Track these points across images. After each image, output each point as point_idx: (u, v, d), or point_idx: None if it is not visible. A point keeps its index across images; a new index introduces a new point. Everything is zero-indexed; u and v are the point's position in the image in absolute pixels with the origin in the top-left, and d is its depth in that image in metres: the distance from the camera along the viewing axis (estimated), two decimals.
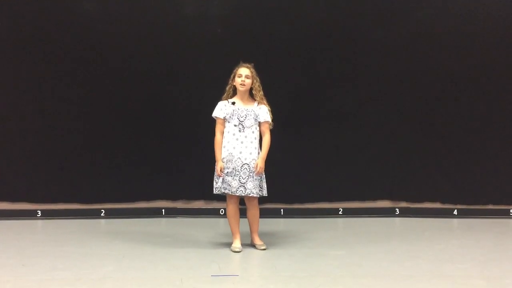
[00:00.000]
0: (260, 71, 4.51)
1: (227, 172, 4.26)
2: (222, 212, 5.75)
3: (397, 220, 5.78)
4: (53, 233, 5.02)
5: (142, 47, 5.73)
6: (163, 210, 5.81)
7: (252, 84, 4.35)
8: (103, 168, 5.78)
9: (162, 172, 5.81)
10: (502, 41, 5.79)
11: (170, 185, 5.82)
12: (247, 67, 4.36)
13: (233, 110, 4.33)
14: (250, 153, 4.28)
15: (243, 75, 4.33)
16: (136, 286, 3.46)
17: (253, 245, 4.47)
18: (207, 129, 5.78)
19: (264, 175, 4.39)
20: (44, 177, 5.72)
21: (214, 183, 4.36)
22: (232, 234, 4.43)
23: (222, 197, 5.84)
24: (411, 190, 5.91)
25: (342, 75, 5.87)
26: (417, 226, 5.40)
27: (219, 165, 4.28)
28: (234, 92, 4.41)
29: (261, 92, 4.40)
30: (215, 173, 4.34)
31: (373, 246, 4.53)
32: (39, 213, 5.67)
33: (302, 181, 5.86)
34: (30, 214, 5.64)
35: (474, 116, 5.84)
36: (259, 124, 4.37)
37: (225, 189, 4.28)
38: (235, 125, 4.30)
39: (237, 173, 4.25)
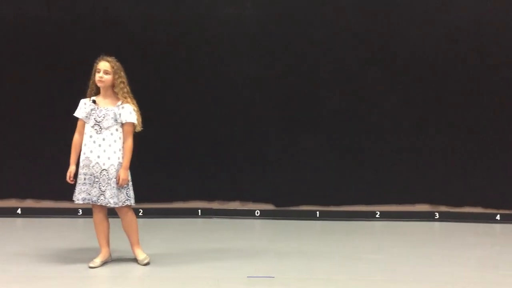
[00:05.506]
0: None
1: (84, 179, 3.79)
2: (257, 213, 5.76)
3: (437, 224, 5.65)
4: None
5: (175, 48, 5.75)
6: (199, 210, 5.85)
7: (113, 80, 3.82)
8: (141, 168, 5.81)
9: (199, 172, 5.85)
10: None
11: (206, 186, 5.86)
12: (107, 61, 3.82)
13: (92, 110, 3.83)
14: (109, 158, 3.77)
15: (102, 70, 3.80)
16: (173, 286, 3.51)
17: (136, 260, 3.99)
18: (243, 130, 5.84)
19: (131, 182, 3.92)
20: None
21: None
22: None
23: (258, 198, 5.89)
24: (451, 193, 5.77)
25: (386, 76, 5.80)
26: (457, 231, 5.28)
27: (69, 170, 3.84)
28: (99, 88, 3.89)
29: (125, 89, 3.85)
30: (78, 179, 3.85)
31: (410, 250, 4.45)
32: (80, 212, 5.75)
33: (339, 183, 5.81)
34: (71, 213, 5.70)
35: None
36: (122, 125, 3.84)
37: (84, 199, 3.79)
38: (92, 126, 3.81)
39: (96, 179, 3.77)
